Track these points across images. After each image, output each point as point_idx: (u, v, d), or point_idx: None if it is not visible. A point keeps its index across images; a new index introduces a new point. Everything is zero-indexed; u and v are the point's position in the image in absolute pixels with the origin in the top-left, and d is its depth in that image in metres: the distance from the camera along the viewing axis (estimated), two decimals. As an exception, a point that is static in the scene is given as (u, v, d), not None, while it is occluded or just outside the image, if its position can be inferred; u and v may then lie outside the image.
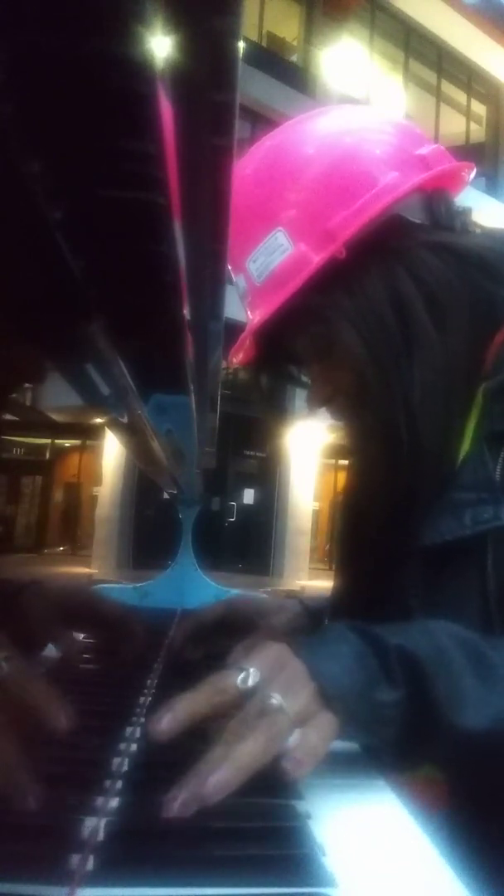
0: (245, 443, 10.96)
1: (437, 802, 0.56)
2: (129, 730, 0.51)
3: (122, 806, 0.39)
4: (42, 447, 13.65)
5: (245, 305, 0.70)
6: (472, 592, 0.56)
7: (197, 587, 1.42)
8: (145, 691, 0.63)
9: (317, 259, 0.62)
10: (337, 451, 10.54)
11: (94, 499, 11.53)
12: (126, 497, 10.45)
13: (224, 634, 0.75)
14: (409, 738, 0.46)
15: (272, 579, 10.78)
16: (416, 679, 0.46)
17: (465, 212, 0.67)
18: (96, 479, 11.34)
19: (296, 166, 0.65)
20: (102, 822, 0.36)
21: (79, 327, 0.45)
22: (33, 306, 0.43)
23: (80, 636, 0.80)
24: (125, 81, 0.24)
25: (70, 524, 13.50)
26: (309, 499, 11.78)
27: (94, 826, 0.36)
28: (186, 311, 0.42)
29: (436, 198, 0.65)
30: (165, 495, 1.75)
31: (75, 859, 0.33)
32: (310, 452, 11.37)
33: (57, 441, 13.52)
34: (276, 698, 0.42)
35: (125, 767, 0.44)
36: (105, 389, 0.63)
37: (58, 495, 14.12)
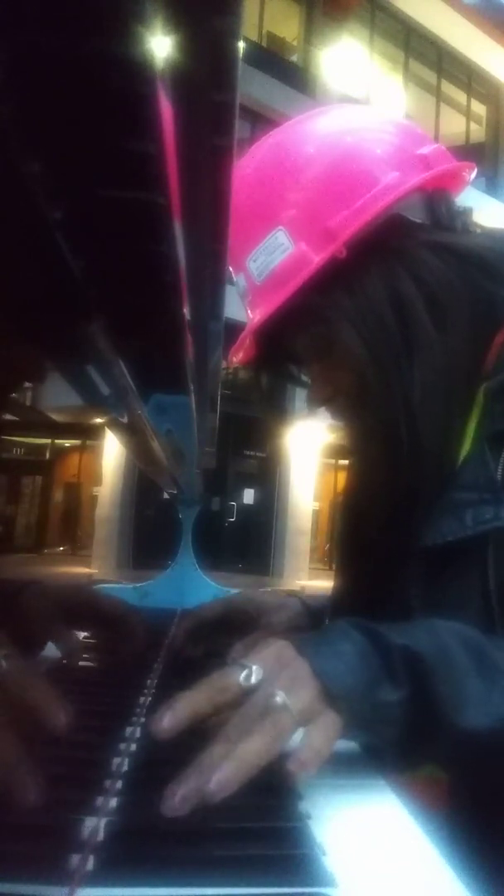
0: (245, 443, 10.96)
1: (438, 802, 0.56)
2: (129, 730, 0.51)
3: (122, 806, 0.39)
4: (42, 447, 13.66)
5: (245, 304, 0.70)
6: (473, 592, 0.56)
7: (197, 587, 1.41)
8: (145, 691, 0.63)
9: (317, 258, 0.62)
10: (337, 451, 10.54)
11: (94, 499, 11.54)
12: (126, 497, 10.45)
13: (224, 632, 0.75)
14: (412, 738, 0.46)
15: (272, 579, 10.78)
16: (420, 678, 0.46)
17: (466, 212, 0.67)
18: (96, 479, 11.35)
19: (296, 166, 0.65)
20: (102, 822, 0.36)
21: (79, 327, 0.45)
22: (33, 306, 0.43)
23: (81, 635, 0.80)
24: (125, 81, 0.24)
25: (70, 524, 13.51)
26: (309, 499, 11.78)
27: (94, 826, 0.36)
28: (186, 311, 0.42)
29: (436, 198, 0.65)
30: (165, 495, 1.75)
31: (75, 859, 0.33)
32: (310, 452, 11.37)
33: (57, 441, 13.52)
34: (280, 696, 0.42)
35: (125, 767, 0.44)
36: (105, 389, 0.63)
37: (58, 495, 14.12)
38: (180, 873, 0.33)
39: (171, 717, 0.41)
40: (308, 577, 10.72)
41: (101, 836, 0.35)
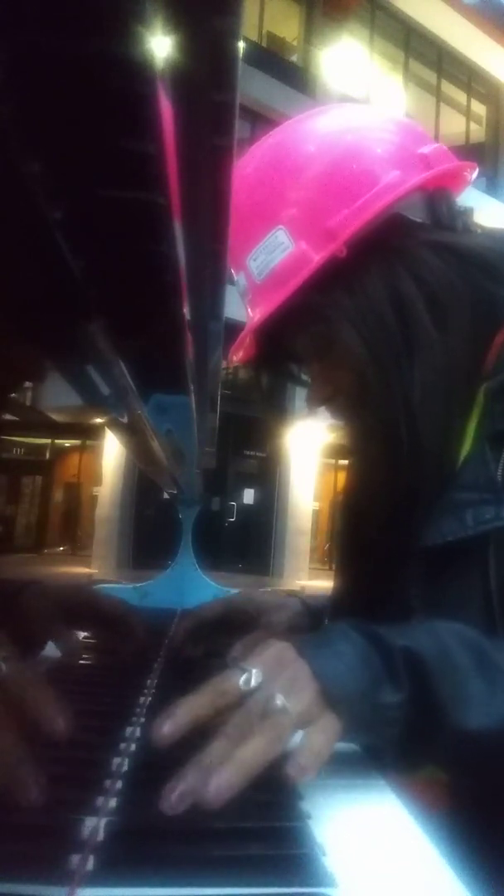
0: (245, 443, 10.97)
1: (438, 803, 0.56)
2: (129, 730, 0.51)
3: (122, 806, 0.39)
4: (42, 447, 13.65)
5: (245, 303, 0.70)
6: (473, 593, 0.56)
7: (197, 587, 1.41)
8: (145, 691, 0.63)
9: (317, 258, 0.62)
10: (337, 451, 10.53)
11: (94, 499, 11.54)
12: (126, 497, 10.45)
13: (224, 632, 0.75)
14: (413, 740, 0.46)
15: (272, 579, 10.78)
16: (420, 680, 0.46)
17: (467, 211, 0.67)
18: (96, 479, 11.35)
19: (297, 164, 0.65)
20: (102, 822, 0.36)
21: (79, 327, 0.45)
22: (33, 306, 0.43)
23: (81, 635, 0.80)
24: (125, 81, 0.24)
25: (70, 524, 13.51)
26: (309, 499, 11.78)
27: (94, 826, 0.36)
28: (186, 311, 0.42)
29: (437, 197, 0.65)
30: (165, 495, 1.75)
31: (75, 859, 0.33)
32: (310, 452, 11.37)
33: (57, 441, 13.52)
34: (280, 699, 0.42)
35: (125, 767, 0.44)
36: (105, 389, 0.63)
37: (58, 495, 14.12)
38: (180, 873, 0.33)
39: (172, 724, 0.41)
40: (308, 577, 10.72)
41: (101, 836, 0.35)
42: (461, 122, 13.99)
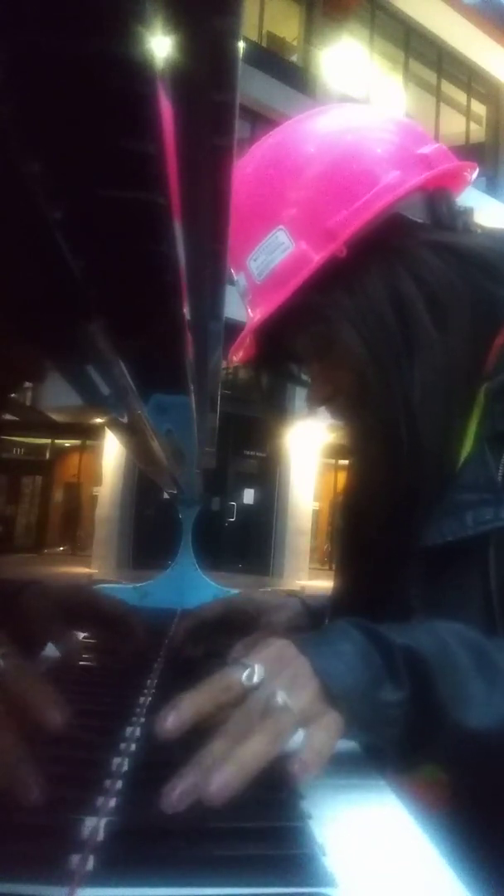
0: (245, 443, 10.97)
1: (438, 803, 0.56)
2: (129, 730, 0.51)
3: (122, 806, 0.39)
4: (42, 447, 13.66)
5: (245, 303, 0.70)
6: (473, 593, 0.56)
7: (197, 587, 1.41)
8: (145, 691, 0.63)
9: (317, 258, 0.62)
10: (337, 451, 10.53)
11: (94, 499, 11.54)
12: (126, 497, 10.45)
13: (224, 632, 0.75)
14: (413, 738, 0.46)
15: (272, 579, 10.78)
16: (421, 679, 0.46)
17: (467, 211, 0.67)
18: (96, 479, 11.35)
19: (297, 164, 0.65)
20: (102, 822, 0.36)
21: (79, 327, 0.45)
22: (33, 306, 0.43)
23: (81, 635, 0.80)
24: (125, 81, 0.24)
25: (70, 524, 13.51)
26: (309, 499, 11.78)
27: (94, 826, 0.36)
28: (186, 311, 0.42)
29: (437, 197, 0.65)
30: (165, 495, 1.75)
31: (75, 859, 0.33)
32: (310, 452, 11.37)
33: (57, 441, 13.52)
34: (281, 696, 0.42)
35: (125, 767, 0.44)
36: (105, 389, 0.63)
37: (58, 495, 14.12)
38: (180, 873, 0.33)
39: (175, 717, 0.41)
40: (308, 577, 10.72)
41: (101, 836, 0.35)
42: (461, 122, 13.99)
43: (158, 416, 0.72)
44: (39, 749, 0.38)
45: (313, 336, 0.66)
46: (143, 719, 0.54)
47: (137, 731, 0.51)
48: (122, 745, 0.48)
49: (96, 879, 0.32)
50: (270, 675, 0.43)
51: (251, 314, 0.68)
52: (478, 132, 14.24)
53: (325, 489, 12.22)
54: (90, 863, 0.33)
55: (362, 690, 0.44)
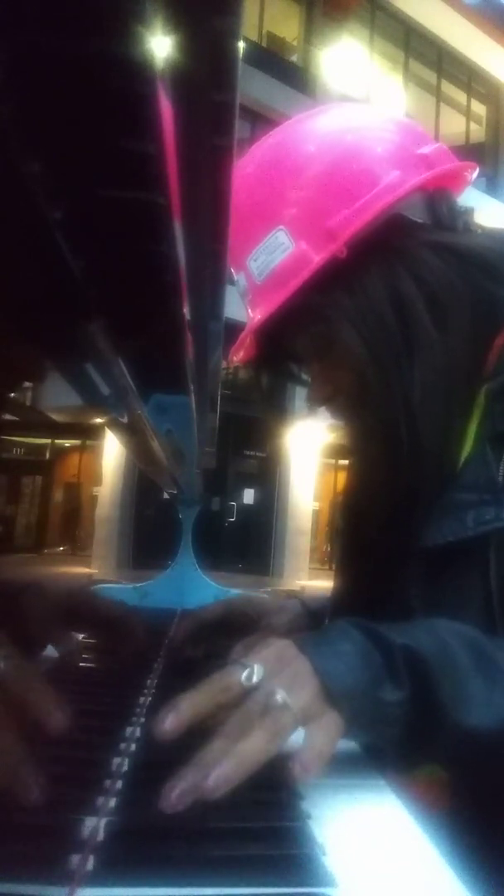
0: (245, 443, 10.97)
1: (438, 802, 0.56)
2: (129, 730, 0.51)
3: (122, 806, 0.39)
4: (42, 447, 13.66)
5: (246, 304, 0.70)
6: (474, 593, 0.56)
7: (197, 587, 1.42)
8: (145, 691, 0.63)
9: (317, 258, 0.62)
10: (337, 451, 10.53)
11: (94, 499, 11.54)
12: (126, 497, 10.45)
13: (224, 634, 0.75)
14: (413, 738, 0.46)
15: (272, 579, 10.78)
16: (421, 678, 0.46)
17: (467, 211, 0.67)
18: (96, 479, 11.35)
19: (297, 164, 0.65)
20: (102, 822, 0.36)
21: (79, 327, 0.45)
22: (33, 306, 0.43)
23: (81, 636, 0.79)
24: (125, 81, 0.24)
25: (70, 524, 13.51)
26: (309, 499, 11.78)
27: (94, 826, 0.36)
28: (186, 311, 0.42)
29: (438, 197, 0.65)
30: (165, 495, 1.75)
31: (75, 859, 0.33)
32: (310, 452, 11.37)
33: (57, 441, 13.52)
34: (281, 695, 0.42)
35: (125, 767, 0.44)
36: (105, 389, 0.63)
37: (58, 495, 14.12)
38: (180, 873, 0.33)
39: (175, 718, 0.41)
40: (308, 577, 10.72)
41: (101, 836, 0.35)
42: (461, 122, 13.99)
43: (158, 416, 0.72)
44: (39, 749, 0.38)
45: (313, 336, 0.66)
46: (143, 719, 0.54)
47: (137, 731, 0.51)
48: (122, 745, 0.48)
49: (96, 879, 0.32)
50: (270, 674, 0.43)
51: (251, 314, 0.68)
52: (478, 132, 14.24)
53: (325, 489, 12.22)
54: (90, 863, 0.33)
55: (362, 690, 0.44)
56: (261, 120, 9.32)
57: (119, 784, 0.42)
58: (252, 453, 11.78)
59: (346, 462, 0.80)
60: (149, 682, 0.66)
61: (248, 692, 0.43)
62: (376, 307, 0.62)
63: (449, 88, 14.06)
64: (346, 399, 0.67)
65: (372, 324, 0.62)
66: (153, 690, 0.63)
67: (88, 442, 12.43)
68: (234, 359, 0.72)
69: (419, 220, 0.63)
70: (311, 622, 0.76)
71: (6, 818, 0.35)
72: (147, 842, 0.36)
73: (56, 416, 10.39)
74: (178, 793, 0.37)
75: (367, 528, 0.68)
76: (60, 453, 14.02)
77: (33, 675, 0.43)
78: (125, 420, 0.76)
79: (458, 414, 0.62)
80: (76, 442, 13.21)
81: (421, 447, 0.61)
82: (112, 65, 0.23)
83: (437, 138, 0.71)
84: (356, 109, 0.72)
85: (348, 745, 0.48)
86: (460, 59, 13.82)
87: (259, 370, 0.75)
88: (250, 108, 9.76)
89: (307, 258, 0.63)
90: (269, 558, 11.56)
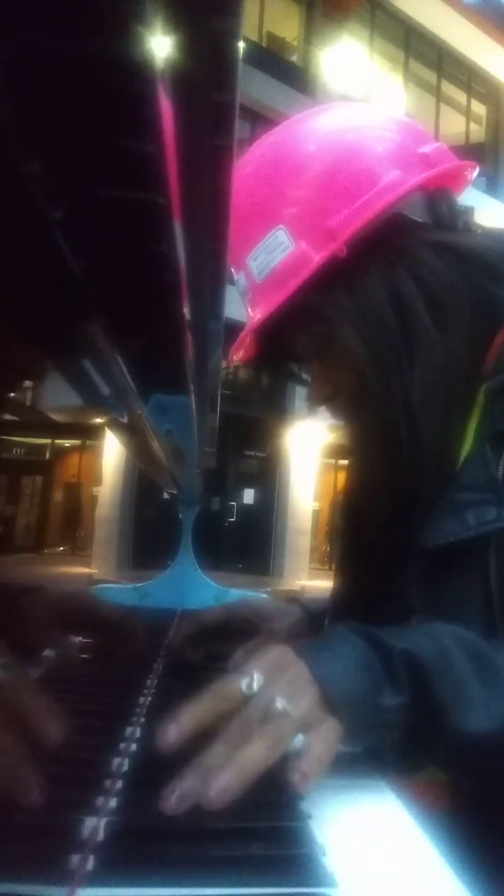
0: (245, 443, 10.97)
1: (438, 803, 0.56)
2: (129, 730, 0.51)
3: (122, 806, 0.39)
4: (42, 447, 13.66)
5: (245, 303, 0.70)
6: (474, 594, 0.56)
7: (197, 587, 1.42)
8: (145, 691, 0.63)
9: (317, 257, 0.62)
10: (337, 451, 10.53)
11: (94, 499, 11.54)
12: (126, 497, 10.45)
13: (224, 638, 0.75)
14: (413, 742, 0.46)
15: (272, 579, 10.78)
16: (421, 683, 0.46)
17: (468, 211, 0.67)
18: (96, 479, 11.35)
19: (297, 164, 0.65)
20: (102, 822, 0.36)
21: (79, 327, 0.45)
22: (33, 306, 0.43)
23: (79, 639, 0.79)
24: (125, 81, 0.24)
25: (70, 524, 13.51)
26: (309, 499, 11.78)
27: (94, 826, 0.36)
28: (186, 311, 0.42)
29: (438, 197, 0.65)
30: (165, 495, 1.75)
31: (75, 859, 0.33)
32: (310, 452, 11.37)
33: (57, 441, 13.52)
34: (280, 702, 0.42)
35: (125, 767, 0.44)
36: (105, 389, 0.63)
37: (58, 495, 14.12)
38: (180, 873, 0.33)
39: (176, 730, 0.41)
40: (308, 577, 10.72)
41: (101, 836, 0.35)
42: (461, 122, 13.99)
43: (158, 416, 0.72)
44: (39, 749, 0.38)
45: (313, 336, 0.66)
46: (143, 719, 0.54)
47: (137, 732, 0.51)
48: (122, 746, 0.48)
49: (96, 879, 0.32)
50: (269, 680, 0.43)
51: (251, 314, 0.68)
52: (478, 132, 14.24)
53: (325, 489, 12.22)
54: (90, 863, 0.33)
55: (362, 696, 0.44)
56: (261, 120, 9.31)
57: (119, 784, 0.42)
58: (252, 453, 11.78)
59: (346, 462, 0.80)
60: (149, 681, 0.66)
61: (248, 700, 0.43)
62: (376, 307, 0.62)
63: (449, 88, 14.06)
64: (346, 399, 0.67)
65: (372, 323, 0.62)
66: (153, 690, 0.63)
67: (88, 442, 12.43)
68: (234, 358, 0.72)
69: (419, 220, 0.63)
70: (312, 626, 0.76)
71: (6, 818, 0.35)
72: (147, 842, 0.36)
73: (56, 416, 10.40)
74: (177, 796, 0.37)
75: (367, 528, 0.68)
76: (60, 453, 14.03)
77: (30, 686, 0.43)
78: (125, 420, 0.76)
79: (457, 413, 0.62)
80: (76, 442, 13.21)
81: (421, 447, 0.60)
82: (112, 65, 0.23)
83: (437, 138, 0.71)
84: (356, 109, 0.72)
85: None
86: (460, 59, 13.82)
87: (259, 370, 0.75)
88: (250, 108, 9.76)
89: (307, 257, 0.63)
90: (269, 558, 11.56)
